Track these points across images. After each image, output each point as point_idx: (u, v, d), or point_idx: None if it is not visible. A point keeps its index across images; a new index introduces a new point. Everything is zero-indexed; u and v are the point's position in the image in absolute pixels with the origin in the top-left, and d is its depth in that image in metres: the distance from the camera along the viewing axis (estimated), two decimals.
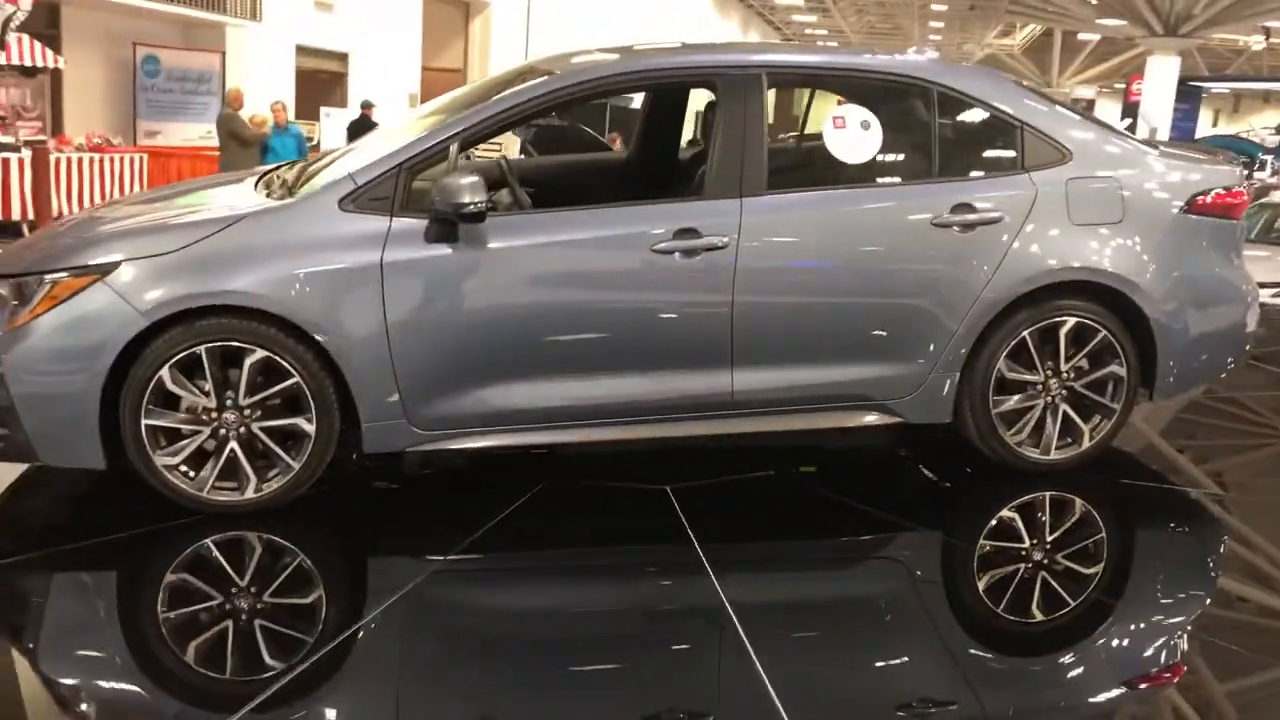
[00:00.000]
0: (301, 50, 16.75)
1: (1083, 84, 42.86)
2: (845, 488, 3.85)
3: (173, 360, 3.15)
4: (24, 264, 3.35)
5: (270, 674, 2.56)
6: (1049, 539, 3.55)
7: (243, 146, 11.10)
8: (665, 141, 4.90)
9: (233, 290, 3.17)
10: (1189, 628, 3.04)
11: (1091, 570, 3.36)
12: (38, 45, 11.23)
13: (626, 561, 3.37)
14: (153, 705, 2.52)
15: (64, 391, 3.14)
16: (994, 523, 3.69)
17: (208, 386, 3.20)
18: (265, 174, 4.05)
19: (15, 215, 9.83)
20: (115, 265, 3.17)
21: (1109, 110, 41.95)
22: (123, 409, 3.16)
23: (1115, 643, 2.97)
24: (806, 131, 4.68)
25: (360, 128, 12.84)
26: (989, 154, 3.89)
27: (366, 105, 13.99)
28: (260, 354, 3.20)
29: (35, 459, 3.27)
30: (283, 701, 2.46)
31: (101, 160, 11.22)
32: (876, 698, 2.64)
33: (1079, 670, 2.85)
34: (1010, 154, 3.78)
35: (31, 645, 2.78)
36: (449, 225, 3.27)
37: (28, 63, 11.07)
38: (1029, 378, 3.76)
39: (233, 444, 3.25)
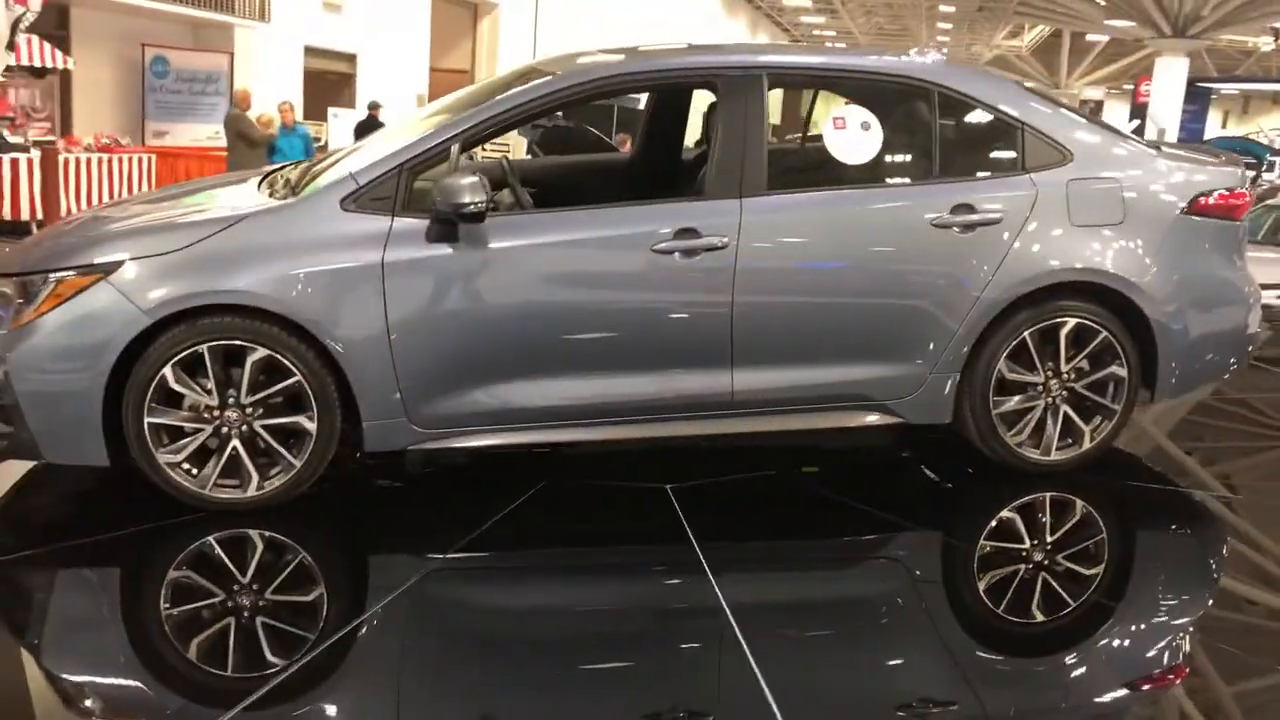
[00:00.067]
0: (310, 51, 16.82)
1: (1091, 85, 42.76)
2: (845, 488, 3.85)
3: (175, 359, 3.18)
4: (29, 263, 3.38)
5: (271, 670, 2.58)
6: (1049, 540, 3.55)
7: (250, 147, 11.15)
8: (668, 142, 4.91)
9: (235, 289, 3.20)
10: (1195, 630, 3.03)
11: (1093, 571, 3.36)
12: (47, 46, 11.30)
13: (624, 561, 3.38)
14: (154, 700, 2.54)
15: (68, 390, 3.16)
16: (994, 523, 3.69)
17: (210, 385, 3.23)
18: (268, 174, 4.07)
19: (24, 215, 9.89)
20: (119, 264, 3.20)
21: (1118, 111, 41.88)
22: (126, 407, 3.19)
23: (1117, 644, 2.98)
24: (810, 132, 4.69)
25: (367, 128, 12.87)
26: (989, 155, 3.89)
27: (374, 106, 14.03)
28: (262, 353, 3.22)
29: (40, 456, 3.31)
30: (282, 698, 2.48)
31: (110, 160, 11.28)
32: (872, 698, 2.64)
33: (1080, 671, 2.85)
34: (1011, 155, 3.78)
35: (35, 640, 2.80)
36: (449, 225, 3.29)
37: (37, 64, 11.13)
38: (1029, 378, 3.76)
39: (235, 442, 3.27)
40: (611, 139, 14.07)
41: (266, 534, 3.29)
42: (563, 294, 3.43)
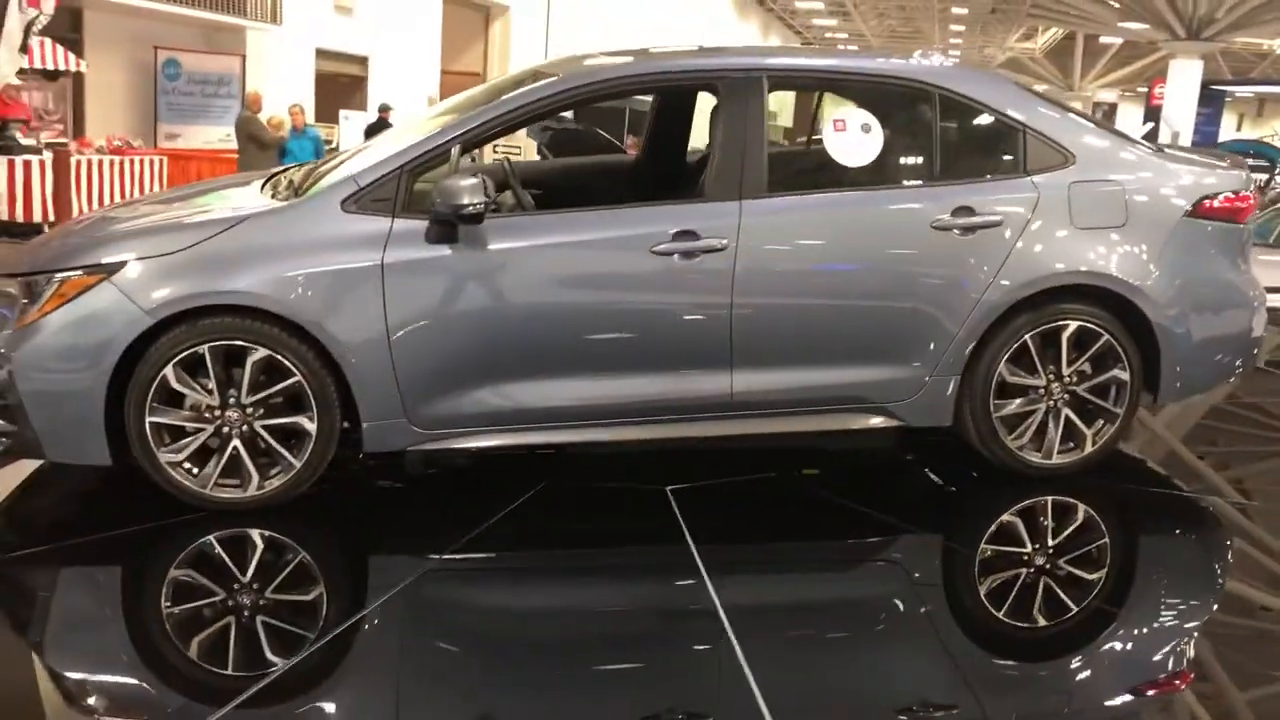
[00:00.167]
0: (321, 54, 16.89)
1: (1105, 88, 42.60)
2: (846, 490, 3.85)
3: (177, 359, 3.20)
4: (33, 263, 3.42)
5: (269, 669, 2.59)
6: (1051, 543, 3.54)
7: (261, 149, 11.21)
8: (672, 145, 4.91)
9: (235, 290, 3.22)
10: (1204, 635, 3.01)
11: (1095, 575, 3.34)
12: (60, 49, 11.38)
13: (621, 562, 3.39)
14: (153, 697, 2.55)
15: (70, 389, 3.18)
16: (995, 527, 3.68)
17: (211, 385, 3.25)
18: (271, 175, 4.10)
19: (37, 217, 9.96)
20: (121, 265, 3.22)
21: (1132, 114, 41.69)
22: (128, 406, 3.21)
23: (1120, 648, 2.96)
24: (813, 135, 4.69)
25: (377, 131, 12.93)
26: (991, 157, 3.88)
27: (384, 108, 14.09)
28: (262, 353, 3.24)
29: (43, 456, 3.33)
30: (280, 696, 2.50)
31: (121, 162, 11.36)
32: (868, 702, 2.63)
33: (1082, 676, 2.83)
34: (1012, 157, 3.77)
35: (37, 637, 2.83)
36: (449, 226, 3.30)
37: (50, 66, 11.21)
38: (1030, 382, 3.75)
39: (235, 442, 3.29)
40: (622, 141, 14.09)
41: (266, 533, 3.31)
42: (562, 295, 3.43)
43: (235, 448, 3.29)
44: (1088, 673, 2.84)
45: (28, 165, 9.83)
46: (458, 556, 3.21)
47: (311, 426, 3.31)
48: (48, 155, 10.13)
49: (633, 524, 3.54)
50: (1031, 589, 3.22)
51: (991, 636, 3.02)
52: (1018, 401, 3.76)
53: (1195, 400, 4.94)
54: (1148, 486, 4.12)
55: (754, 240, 3.48)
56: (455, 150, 3.40)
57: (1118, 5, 26.25)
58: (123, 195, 11.16)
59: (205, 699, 2.47)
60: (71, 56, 11.70)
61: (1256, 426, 5.15)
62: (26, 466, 3.70)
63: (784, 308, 3.58)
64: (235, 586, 3.03)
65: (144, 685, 2.61)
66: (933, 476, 4.14)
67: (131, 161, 11.55)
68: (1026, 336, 3.69)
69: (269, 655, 2.68)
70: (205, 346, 3.21)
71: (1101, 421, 3.82)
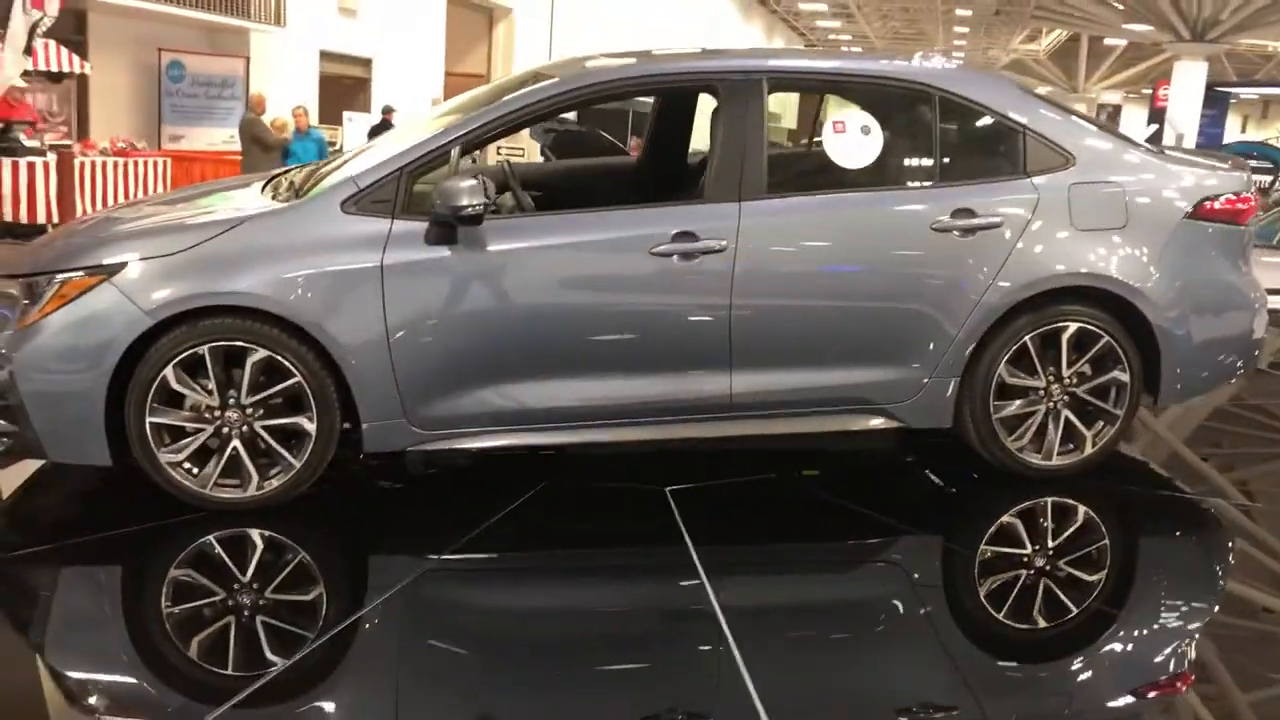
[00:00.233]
0: (325, 56, 16.91)
1: (1109, 89, 42.52)
2: (846, 491, 3.85)
3: (177, 359, 3.21)
4: (35, 264, 3.43)
5: (268, 669, 2.60)
6: (1051, 545, 3.53)
7: (265, 151, 11.23)
8: (673, 146, 4.91)
9: (236, 291, 3.23)
10: (1206, 637, 3.00)
11: (1095, 577, 3.34)
12: (64, 51, 11.40)
13: (620, 563, 3.39)
14: (152, 697, 2.56)
15: (71, 390, 3.19)
16: (995, 528, 3.68)
17: (211, 385, 3.26)
18: (272, 177, 4.11)
19: (40, 219, 9.97)
20: (122, 266, 3.23)
21: (1136, 116, 41.63)
22: (128, 407, 3.22)
23: (1120, 650, 2.95)
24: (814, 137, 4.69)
25: (381, 133, 12.93)
26: (991, 159, 3.88)
27: (387, 110, 14.11)
28: (262, 353, 3.25)
29: (44, 455, 3.35)
30: (279, 696, 2.51)
31: (125, 164, 11.37)
32: (865, 703, 2.63)
33: (1083, 678, 2.82)
34: (1012, 159, 3.77)
35: (38, 636, 2.84)
36: (448, 228, 3.31)
37: (54, 68, 11.23)
38: (1030, 383, 3.74)
39: (235, 442, 3.29)
40: (626, 143, 14.10)
41: (266, 533, 3.32)
42: (561, 296, 3.44)
43: (235, 448, 3.30)
44: (1088, 674, 2.84)
45: (31, 167, 9.85)
46: (457, 557, 3.22)
47: (311, 427, 3.31)
48: (51, 157, 10.15)
49: (632, 525, 3.54)
50: (1031, 590, 3.21)
51: (991, 638, 3.02)
52: (1017, 403, 3.75)
53: (1199, 402, 4.94)
54: (1149, 488, 4.12)
55: (753, 241, 3.48)
56: (455, 152, 3.41)
57: (1122, 7, 26.22)
58: (126, 197, 11.18)
59: (205, 698, 2.48)
60: (75, 59, 11.72)
61: (1260, 429, 5.15)
62: (29, 466, 3.71)
63: (783, 309, 3.58)
64: (235, 586, 3.04)
65: (143, 684, 2.61)
66: (933, 478, 4.14)
67: (135, 163, 11.57)
68: (1026, 338, 3.69)
69: (268, 655, 2.69)
70: (205, 347, 3.22)
71: (1101, 423, 3.82)
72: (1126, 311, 3.74)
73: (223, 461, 3.30)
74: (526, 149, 14.58)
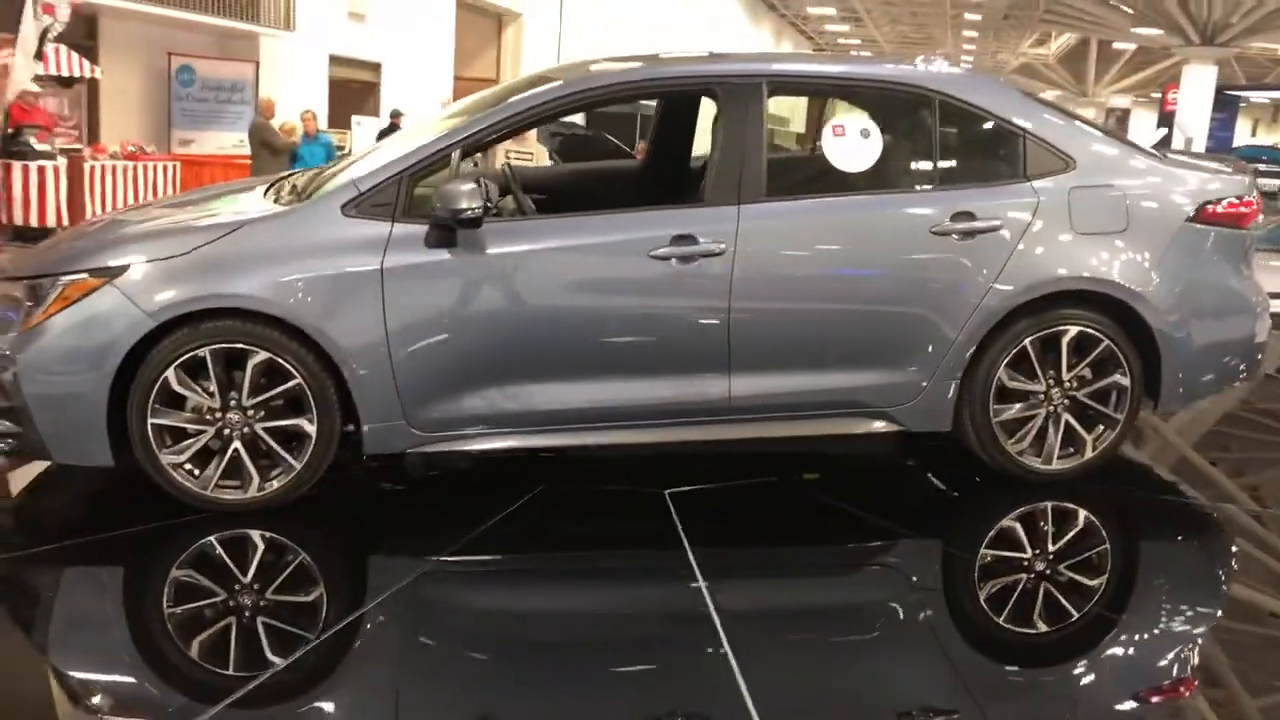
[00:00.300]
0: (334, 60, 16.99)
1: (1119, 93, 42.43)
2: (845, 495, 3.85)
3: (178, 361, 3.23)
4: (39, 266, 3.46)
5: (268, 668, 2.62)
6: (1051, 549, 3.53)
7: (273, 155, 11.29)
8: (676, 150, 4.92)
9: (237, 294, 3.25)
10: (1211, 642, 3.00)
11: (1095, 581, 3.33)
12: (75, 56, 11.48)
13: (616, 565, 3.39)
14: (151, 696, 2.57)
15: (73, 391, 3.22)
16: (995, 532, 3.67)
17: (212, 387, 3.28)
18: (275, 180, 4.13)
19: (50, 222, 10.04)
20: (124, 268, 3.26)
21: (1145, 120, 41.51)
22: (130, 409, 3.24)
23: (1122, 654, 2.95)
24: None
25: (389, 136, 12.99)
26: (990, 162, 3.88)
27: (396, 114, 14.16)
28: (263, 356, 3.27)
29: (48, 457, 3.37)
30: (278, 696, 2.52)
31: (135, 168, 11.44)
32: (858, 709, 2.62)
33: (1084, 682, 2.81)
34: (1012, 162, 3.78)
35: (40, 636, 2.87)
36: (448, 231, 3.33)
37: (65, 73, 11.31)
38: (1030, 387, 3.74)
39: (236, 444, 3.31)
40: (634, 147, 14.13)
41: (267, 535, 3.33)
42: (560, 299, 3.45)
43: (236, 449, 3.31)
44: (1091, 679, 2.83)
45: (41, 171, 9.92)
46: (455, 558, 3.23)
47: (312, 429, 3.33)
48: (61, 161, 10.22)
49: (630, 527, 3.55)
50: (1032, 595, 3.21)
51: (990, 642, 3.01)
52: (1017, 407, 3.75)
53: (1208, 407, 4.94)
54: (1157, 493, 4.10)
55: (752, 245, 3.49)
56: (456, 155, 3.42)
57: (1131, 11, 26.16)
58: (136, 201, 11.24)
59: (204, 698, 2.49)
60: (86, 63, 11.80)
61: (1270, 433, 5.13)
62: (37, 467, 3.74)
63: (782, 312, 3.59)
64: (235, 587, 3.05)
65: (142, 684, 2.63)
66: (933, 481, 4.13)
67: (145, 167, 11.63)
68: (1026, 341, 3.69)
69: (267, 655, 2.71)
70: (206, 349, 3.24)
71: (1102, 427, 3.81)
72: (1127, 315, 3.74)
73: (224, 463, 3.32)
74: (535, 153, 14.60)
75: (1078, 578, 3.33)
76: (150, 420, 3.24)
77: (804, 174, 4.31)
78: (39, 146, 10.04)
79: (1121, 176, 3.81)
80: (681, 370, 3.54)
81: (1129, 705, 2.72)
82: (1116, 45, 35.05)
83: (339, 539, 3.50)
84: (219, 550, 3.24)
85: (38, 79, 10.22)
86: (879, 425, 3.71)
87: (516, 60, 21.87)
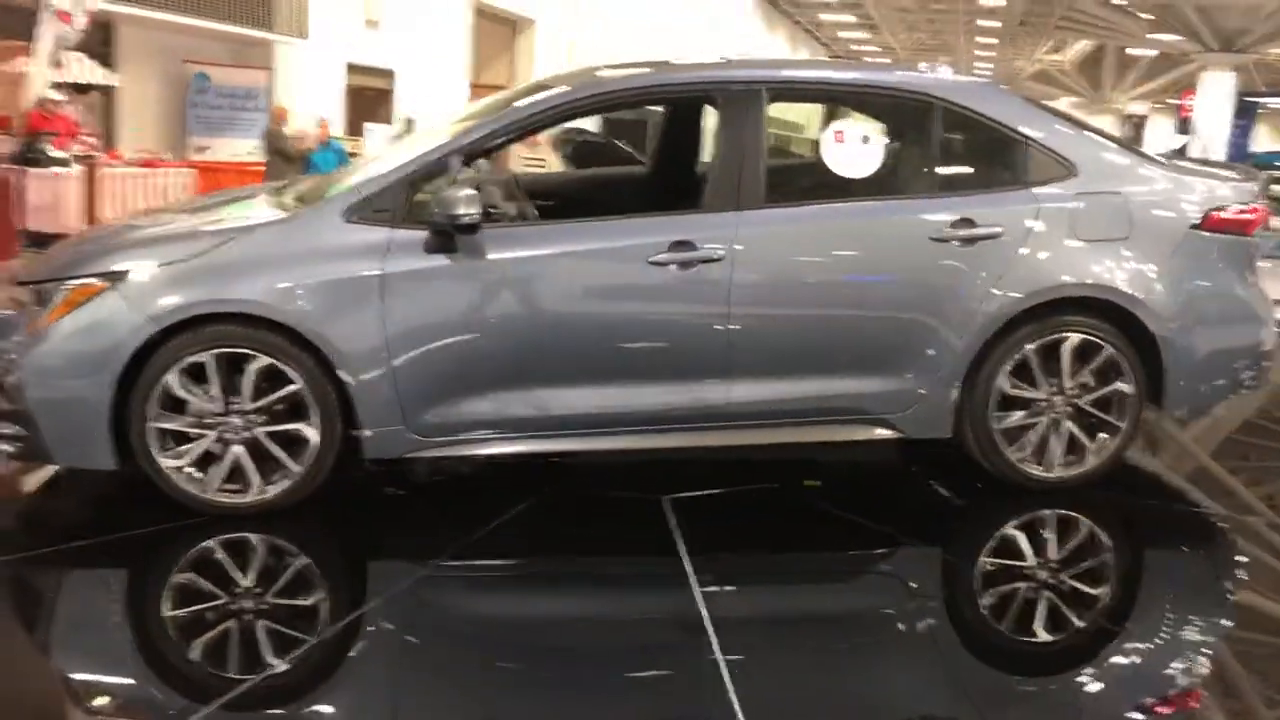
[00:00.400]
0: (349, 68, 17.08)
1: (1136, 100, 42.19)
2: (846, 502, 3.83)
3: (180, 366, 3.25)
4: (46, 271, 3.50)
5: (266, 670, 2.64)
6: (1052, 557, 3.50)
7: (287, 162, 11.38)
8: (680, 156, 4.93)
9: (238, 299, 3.28)
10: (1222, 652, 2.98)
11: (1097, 590, 3.32)
12: (92, 64, 11.59)
13: (611, 571, 3.38)
14: (149, 696, 2.60)
15: (77, 395, 3.25)
16: (996, 540, 3.65)
17: (214, 391, 3.30)
18: (280, 187, 4.16)
19: (67, 227, 10.11)
20: (126, 273, 3.29)
21: (1163, 126, 41.26)
22: (132, 413, 3.26)
23: (1125, 663, 2.93)
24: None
25: None
26: (992, 169, 3.88)
27: (408, 122, 14.23)
28: (264, 360, 3.29)
29: (52, 460, 3.41)
30: (277, 697, 2.55)
31: (150, 175, 11.53)
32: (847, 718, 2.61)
33: (1086, 692, 2.79)
34: (1013, 169, 3.77)
35: (41, 637, 2.90)
36: (447, 236, 3.35)
37: (82, 81, 11.41)
38: (1031, 394, 3.73)
39: (237, 448, 3.33)
40: (645, 153, 14.14)
41: (267, 538, 3.35)
42: (559, 305, 3.46)
43: (237, 454, 3.34)
44: (1093, 688, 2.81)
45: (57, 177, 10.00)
46: (454, 563, 3.24)
47: (312, 433, 3.35)
48: (77, 168, 10.30)
49: (628, 533, 3.54)
50: (1032, 603, 3.19)
51: (990, 651, 3.01)
52: (1019, 414, 3.74)
53: (1226, 415, 4.91)
54: (1173, 503, 4.07)
55: (751, 251, 3.50)
56: (455, 161, 3.44)
57: (1148, 17, 26.04)
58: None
59: (203, 699, 2.50)
60: (102, 71, 11.90)
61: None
62: (42, 469, 3.77)
63: (782, 318, 3.59)
64: (235, 590, 3.07)
65: (141, 685, 2.65)
66: (936, 489, 4.11)
67: (160, 174, 11.72)
68: (1027, 348, 3.67)
69: (264, 658, 2.72)
70: (208, 354, 3.26)
71: (1105, 435, 3.79)
72: (1129, 322, 3.72)
73: (225, 467, 3.34)
74: (548, 160, 14.66)
75: (1079, 586, 3.31)
76: (152, 424, 3.27)
77: (804, 180, 4.32)
78: (55, 154, 10.12)
79: (1124, 183, 3.79)
80: (680, 376, 3.55)
81: (1137, 716, 2.69)
82: (1133, 52, 34.88)
83: (338, 543, 3.51)
84: (219, 554, 3.26)
85: (57, 86, 10.32)
86: (879, 432, 3.71)
87: (530, 67, 21.92)
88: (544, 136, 13.25)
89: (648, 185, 4.87)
